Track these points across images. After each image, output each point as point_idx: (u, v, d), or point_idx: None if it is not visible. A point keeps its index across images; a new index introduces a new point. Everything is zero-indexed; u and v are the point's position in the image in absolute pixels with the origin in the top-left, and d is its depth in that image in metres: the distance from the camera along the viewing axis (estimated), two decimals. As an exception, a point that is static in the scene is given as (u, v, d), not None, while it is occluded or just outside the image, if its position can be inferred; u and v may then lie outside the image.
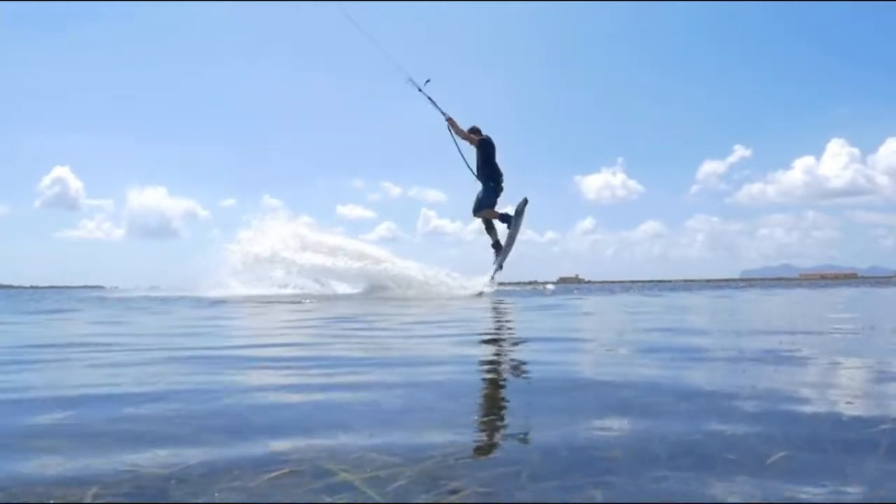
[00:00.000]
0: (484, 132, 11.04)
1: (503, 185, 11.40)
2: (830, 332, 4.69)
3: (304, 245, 15.12)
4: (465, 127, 11.38)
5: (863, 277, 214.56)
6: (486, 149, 10.54)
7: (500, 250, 9.65)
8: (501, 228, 11.66)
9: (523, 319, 6.94)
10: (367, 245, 15.33)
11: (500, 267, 9.15)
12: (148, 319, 7.39)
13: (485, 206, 10.57)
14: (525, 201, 9.70)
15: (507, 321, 6.64)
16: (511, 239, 9.24)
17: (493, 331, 5.46)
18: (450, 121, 10.61)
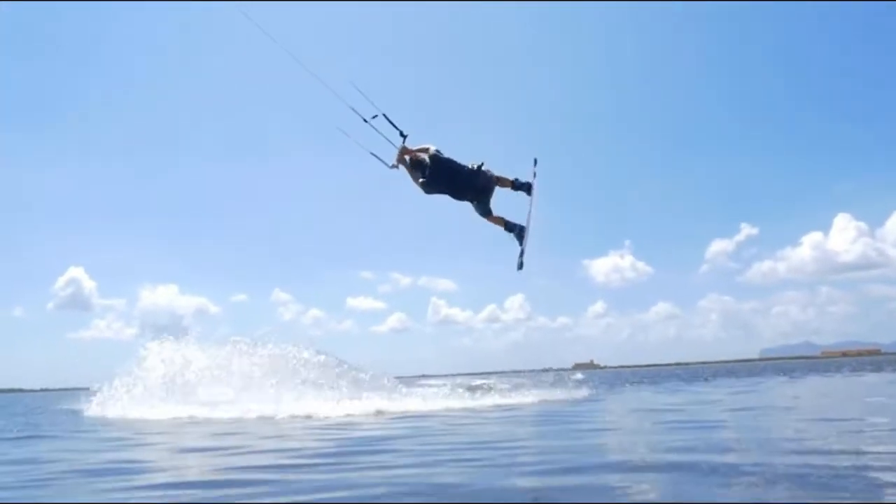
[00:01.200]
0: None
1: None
2: None
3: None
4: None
5: (887, 353, 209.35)
6: (440, 164, 7.84)
7: (521, 231, 8.05)
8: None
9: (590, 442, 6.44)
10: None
11: (523, 250, 8.07)
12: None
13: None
14: (535, 161, 8.46)
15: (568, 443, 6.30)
16: (530, 216, 8.04)
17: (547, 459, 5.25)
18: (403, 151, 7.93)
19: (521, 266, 7.90)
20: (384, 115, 7.53)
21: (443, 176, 7.68)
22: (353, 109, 7.53)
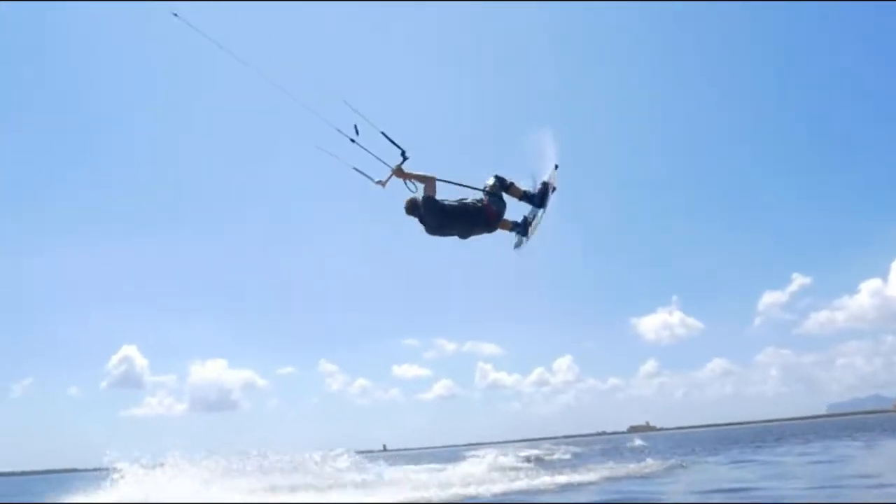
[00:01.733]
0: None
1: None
2: None
3: None
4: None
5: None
6: (434, 212, 7.17)
7: (525, 224, 6.87)
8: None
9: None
10: None
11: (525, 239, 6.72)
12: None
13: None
14: (556, 167, 7.09)
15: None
16: (538, 221, 6.81)
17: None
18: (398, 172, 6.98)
19: (519, 245, 6.96)
20: (382, 132, 6.62)
21: (443, 222, 7.04)
22: (337, 130, 6.60)
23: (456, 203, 7.07)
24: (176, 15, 5.80)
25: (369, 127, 6.58)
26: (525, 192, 7.34)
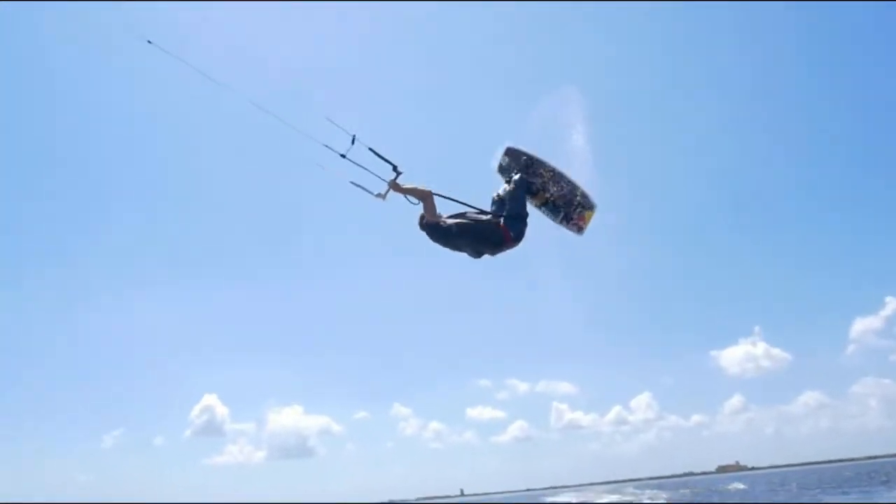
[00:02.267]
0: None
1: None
2: None
3: None
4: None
5: None
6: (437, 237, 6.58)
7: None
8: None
9: None
10: None
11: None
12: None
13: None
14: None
15: None
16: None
17: None
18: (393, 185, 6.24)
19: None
20: (370, 148, 6.05)
21: (449, 244, 6.27)
22: (326, 146, 6.01)
23: (465, 221, 6.26)
24: (150, 42, 5.61)
25: (361, 142, 6.05)
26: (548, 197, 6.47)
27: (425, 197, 6.19)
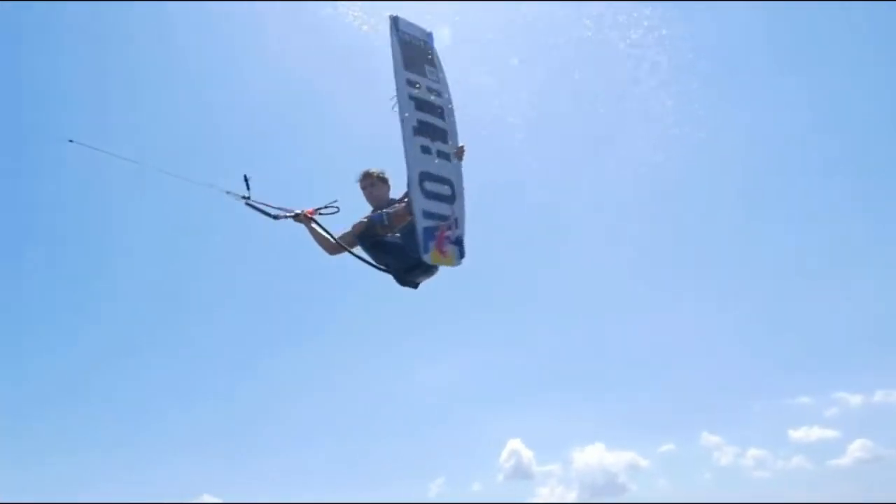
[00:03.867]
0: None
1: None
2: None
3: None
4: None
5: None
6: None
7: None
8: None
9: None
10: None
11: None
12: None
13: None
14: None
15: None
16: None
17: None
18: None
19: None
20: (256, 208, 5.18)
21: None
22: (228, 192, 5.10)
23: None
24: (72, 141, 5.13)
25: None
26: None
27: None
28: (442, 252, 4.88)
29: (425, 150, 4.88)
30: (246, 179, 5.13)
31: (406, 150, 4.70)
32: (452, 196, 5.01)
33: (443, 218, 4.89)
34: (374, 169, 5.31)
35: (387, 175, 5.34)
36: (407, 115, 4.74)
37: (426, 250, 4.76)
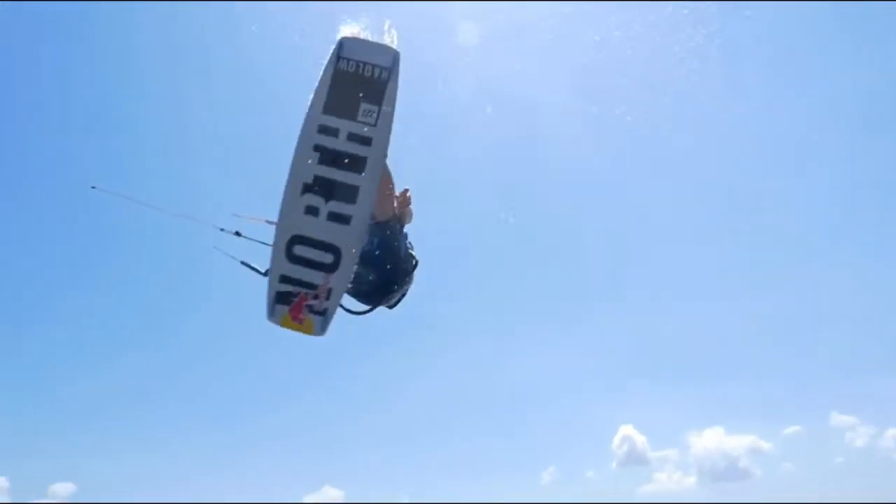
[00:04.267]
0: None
1: None
2: None
3: None
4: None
5: None
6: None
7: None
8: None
9: None
10: None
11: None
12: None
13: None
14: None
15: None
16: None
17: None
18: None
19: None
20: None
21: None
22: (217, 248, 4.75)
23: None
24: (94, 187, 4.93)
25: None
26: None
27: None
28: (296, 318, 4.23)
29: (311, 210, 4.10)
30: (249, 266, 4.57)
31: (281, 209, 3.99)
32: (334, 265, 4.24)
33: (308, 286, 4.19)
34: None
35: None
36: (300, 168, 3.96)
37: (271, 312, 4.14)
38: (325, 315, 4.32)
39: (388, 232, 4.49)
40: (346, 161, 4.15)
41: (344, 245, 4.25)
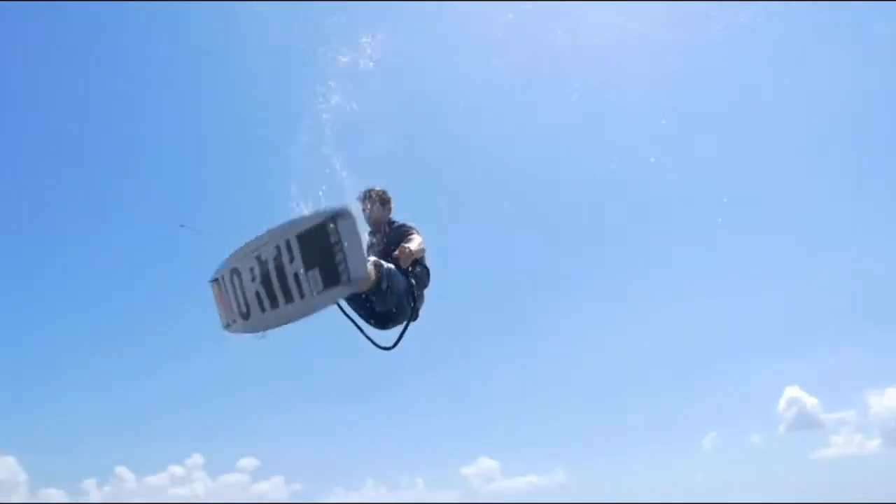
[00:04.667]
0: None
1: None
2: None
3: None
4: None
5: None
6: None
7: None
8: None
9: None
10: None
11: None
12: None
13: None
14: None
15: None
16: None
17: None
18: None
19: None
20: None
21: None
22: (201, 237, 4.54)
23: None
24: (183, 226, 4.58)
25: None
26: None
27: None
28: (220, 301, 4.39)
29: (249, 272, 4.11)
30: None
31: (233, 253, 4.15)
32: (245, 317, 4.15)
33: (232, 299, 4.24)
34: (377, 187, 4.92)
35: (389, 195, 4.94)
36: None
37: (214, 276, 4.40)
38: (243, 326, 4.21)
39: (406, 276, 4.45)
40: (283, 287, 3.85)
41: (255, 316, 4.03)
